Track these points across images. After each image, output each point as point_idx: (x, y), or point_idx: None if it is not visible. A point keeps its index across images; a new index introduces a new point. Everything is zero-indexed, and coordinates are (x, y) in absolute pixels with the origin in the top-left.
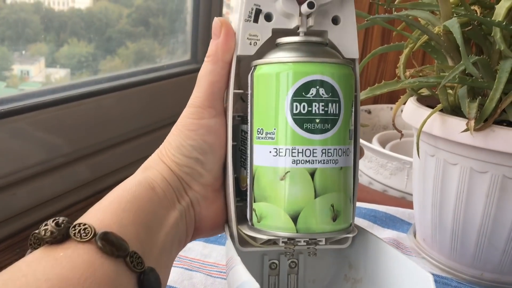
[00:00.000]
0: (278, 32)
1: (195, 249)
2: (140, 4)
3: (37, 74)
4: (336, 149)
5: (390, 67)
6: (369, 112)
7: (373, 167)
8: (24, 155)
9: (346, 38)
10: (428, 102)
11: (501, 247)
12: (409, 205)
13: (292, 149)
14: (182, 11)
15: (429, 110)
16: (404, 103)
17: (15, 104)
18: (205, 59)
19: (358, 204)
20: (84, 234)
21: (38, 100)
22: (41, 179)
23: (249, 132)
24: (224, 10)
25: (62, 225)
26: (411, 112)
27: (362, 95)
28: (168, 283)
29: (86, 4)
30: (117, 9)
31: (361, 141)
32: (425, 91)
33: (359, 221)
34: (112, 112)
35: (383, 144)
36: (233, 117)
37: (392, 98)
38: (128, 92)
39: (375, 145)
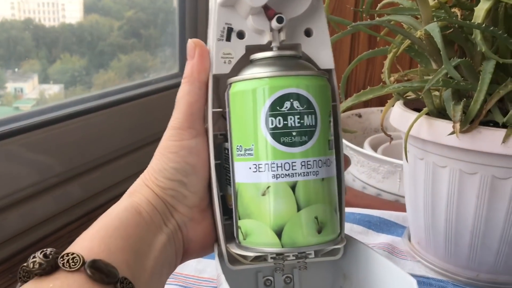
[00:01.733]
0: (254, 49)
1: (189, 264)
2: (130, 16)
3: (30, 91)
4: (316, 160)
5: (378, 71)
6: (360, 116)
7: (366, 172)
8: (16, 178)
9: (320, 49)
10: (415, 105)
11: (494, 248)
12: (402, 207)
13: (271, 164)
14: (172, 22)
15: (416, 114)
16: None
17: (5, 127)
18: (182, 80)
19: (352, 209)
20: (73, 264)
21: (29, 122)
22: (33, 201)
23: (229, 149)
24: None
25: (50, 256)
26: (398, 116)
27: (349, 101)
28: None
29: (77, 18)
30: (107, 22)
31: (352, 146)
32: (411, 94)
33: (353, 227)
34: (102, 130)
35: (375, 147)
36: (215, 136)
37: (382, 100)
38: (118, 109)
39: (366, 148)
